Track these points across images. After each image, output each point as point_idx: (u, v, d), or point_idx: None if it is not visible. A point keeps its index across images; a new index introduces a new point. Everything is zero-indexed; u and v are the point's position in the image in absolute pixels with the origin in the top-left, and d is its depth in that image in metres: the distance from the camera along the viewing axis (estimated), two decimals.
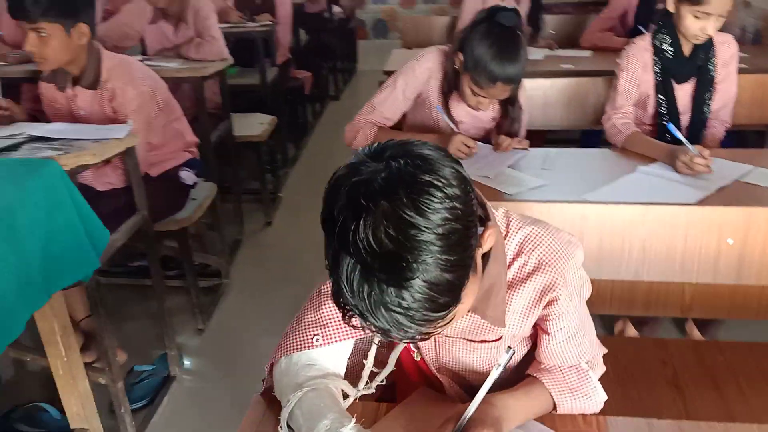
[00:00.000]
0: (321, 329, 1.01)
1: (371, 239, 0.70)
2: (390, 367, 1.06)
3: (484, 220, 0.89)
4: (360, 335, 1.01)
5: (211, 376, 2.31)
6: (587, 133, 3.47)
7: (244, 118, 3.37)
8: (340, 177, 0.77)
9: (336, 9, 5.53)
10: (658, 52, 2.19)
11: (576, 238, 1.02)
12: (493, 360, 1.06)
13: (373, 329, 0.77)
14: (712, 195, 1.64)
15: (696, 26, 2.03)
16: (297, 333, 1.02)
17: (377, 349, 1.06)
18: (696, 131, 2.21)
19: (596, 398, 1.03)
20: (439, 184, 0.73)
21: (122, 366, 2.22)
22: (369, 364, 1.03)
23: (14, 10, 1.90)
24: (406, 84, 2.11)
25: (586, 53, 3.29)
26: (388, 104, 2.11)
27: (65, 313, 1.72)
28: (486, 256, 0.91)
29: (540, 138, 3.50)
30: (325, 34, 5.17)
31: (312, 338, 1.01)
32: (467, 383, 1.09)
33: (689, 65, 2.16)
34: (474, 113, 2.14)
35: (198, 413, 2.13)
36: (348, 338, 1.02)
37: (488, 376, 0.89)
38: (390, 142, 0.80)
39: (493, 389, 0.90)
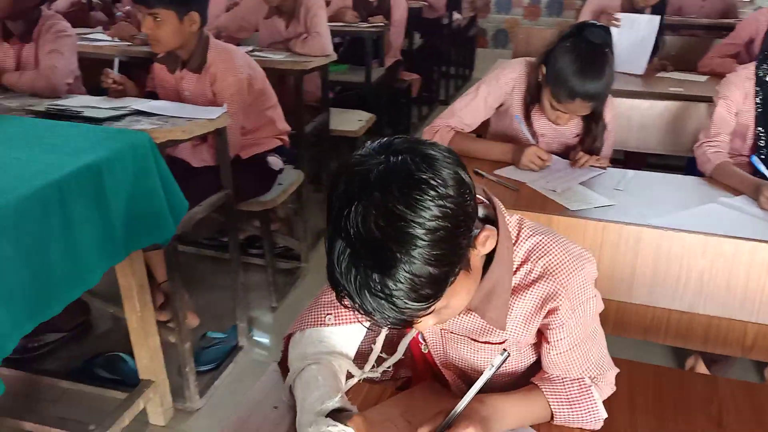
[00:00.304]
0: (334, 310, 1.07)
1: (360, 226, 0.76)
2: (398, 355, 1.10)
3: (485, 222, 0.92)
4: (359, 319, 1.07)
5: (275, 350, 2.44)
6: (693, 160, 3.31)
7: (343, 113, 3.50)
8: (344, 166, 0.82)
9: (456, 16, 5.57)
10: (760, 82, 2.08)
11: (589, 253, 1.02)
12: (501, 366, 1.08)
13: (360, 311, 0.82)
14: None
15: None
16: (313, 311, 1.09)
17: (390, 338, 1.11)
18: None
19: (595, 415, 1.02)
20: (434, 183, 0.77)
21: (194, 330, 2.40)
22: (377, 348, 1.08)
23: None
24: (489, 92, 2.12)
25: (702, 78, 3.13)
26: (469, 110, 2.13)
27: (143, 273, 1.89)
28: (489, 259, 0.94)
29: (641, 161, 3.38)
30: (441, 40, 5.23)
31: (325, 317, 1.07)
32: (471, 381, 1.11)
33: None
34: (556, 128, 2.12)
35: (278, 396, 2.25)
36: (358, 322, 1.07)
37: (490, 376, 0.92)
38: (399, 138, 0.85)
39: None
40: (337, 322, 1.07)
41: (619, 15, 3.08)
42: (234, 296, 2.36)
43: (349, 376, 1.07)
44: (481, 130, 2.41)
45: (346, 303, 0.83)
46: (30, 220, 1.39)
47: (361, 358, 1.10)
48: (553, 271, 0.98)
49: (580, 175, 1.96)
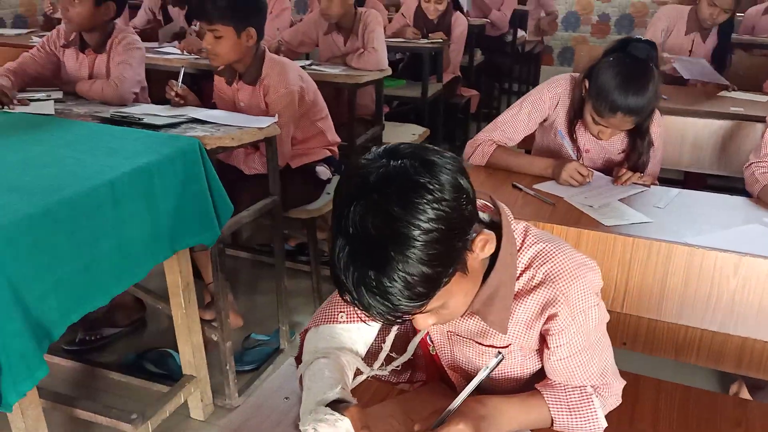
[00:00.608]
0: (346, 308, 1.12)
1: (358, 225, 0.81)
2: (407, 355, 1.14)
3: (491, 228, 0.95)
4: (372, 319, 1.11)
5: None
6: None
7: (398, 127, 3.56)
8: (350, 168, 0.88)
9: (521, 34, 5.57)
10: None
11: (595, 263, 1.03)
12: (505, 370, 1.10)
13: (358, 307, 0.87)
14: None
15: None
16: (327, 309, 1.14)
17: (401, 338, 1.16)
18: None
19: (595, 423, 1.03)
20: (432, 187, 0.82)
21: (239, 331, 2.50)
22: (386, 347, 1.13)
23: (197, 13, 2.23)
24: (533, 107, 2.14)
25: (765, 98, 3.04)
26: (511, 125, 2.15)
27: (189, 272, 2.00)
28: (492, 264, 0.98)
29: (700, 182, 3.29)
30: (503, 57, 5.24)
31: (338, 314, 1.12)
32: None
33: None
34: (601, 143, 2.11)
35: (295, 386, 2.32)
36: (369, 320, 1.11)
37: (484, 377, 0.95)
38: (405, 144, 0.90)
39: None
40: (349, 320, 1.12)
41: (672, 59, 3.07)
42: (278, 300, 2.44)
43: (359, 372, 1.12)
44: (528, 145, 2.43)
45: (346, 298, 0.88)
46: (83, 215, 1.50)
47: (372, 357, 1.14)
48: (554, 277, 1.00)
49: (621, 192, 1.95)
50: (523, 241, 1.03)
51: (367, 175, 0.83)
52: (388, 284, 0.81)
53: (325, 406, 0.95)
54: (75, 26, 2.47)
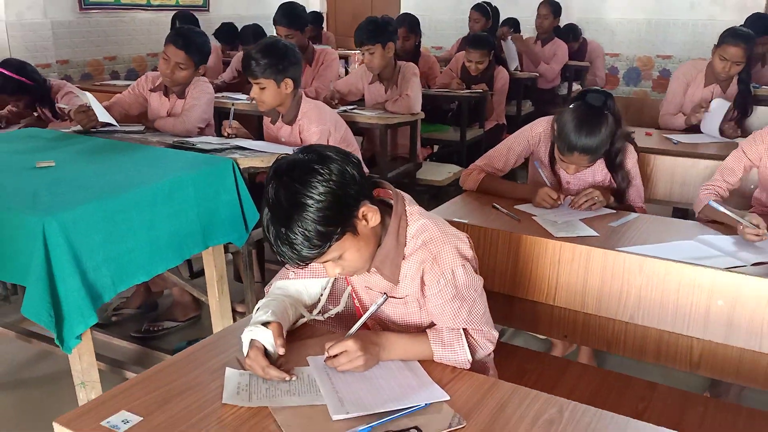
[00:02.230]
0: (295, 270, 1.52)
1: (273, 198, 1.23)
2: (340, 306, 1.52)
3: (381, 206, 1.34)
4: (314, 276, 1.50)
5: None
6: None
7: (437, 166, 3.97)
8: (276, 161, 1.30)
9: (577, 87, 5.87)
10: None
11: (464, 235, 1.39)
12: (405, 315, 1.46)
13: (278, 255, 1.27)
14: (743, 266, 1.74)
15: None
16: (283, 270, 1.55)
17: (337, 292, 1.54)
18: None
19: (463, 356, 1.36)
20: (323, 171, 1.23)
21: None
22: (323, 299, 1.52)
23: (245, 71, 2.75)
24: (518, 144, 2.49)
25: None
26: (500, 157, 2.51)
27: (223, 267, 2.46)
28: (384, 231, 1.36)
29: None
30: (553, 107, 5.54)
31: (288, 273, 1.53)
32: (389, 329, 1.49)
33: None
34: (579, 176, 2.42)
35: None
36: (310, 277, 1.51)
37: (375, 310, 1.33)
38: (315, 145, 1.31)
39: None
40: (296, 277, 1.52)
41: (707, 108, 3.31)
42: None
43: (301, 316, 1.51)
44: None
45: (273, 250, 1.29)
46: (134, 209, 2.00)
47: (315, 307, 1.53)
48: (429, 242, 1.36)
49: (585, 213, 2.24)
50: (409, 217, 1.40)
51: (281, 164, 1.26)
52: (293, 237, 1.22)
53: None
54: (175, 84, 3.04)
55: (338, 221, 1.24)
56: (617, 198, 2.39)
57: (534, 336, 2.72)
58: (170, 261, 2.15)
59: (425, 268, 1.36)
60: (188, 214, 2.17)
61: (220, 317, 2.49)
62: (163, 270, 2.14)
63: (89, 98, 2.91)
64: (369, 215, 1.30)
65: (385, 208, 1.38)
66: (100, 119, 2.89)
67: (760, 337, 1.64)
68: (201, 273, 3.30)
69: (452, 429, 1.16)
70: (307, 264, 1.29)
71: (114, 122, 2.93)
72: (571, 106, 2.23)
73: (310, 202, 1.20)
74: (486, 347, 1.42)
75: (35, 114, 3.52)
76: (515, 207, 2.28)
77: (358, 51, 3.75)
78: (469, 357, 1.37)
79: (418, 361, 1.38)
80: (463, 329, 1.39)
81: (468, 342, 1.39)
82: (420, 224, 1.39)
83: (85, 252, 1.86)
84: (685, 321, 1.72)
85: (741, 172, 2.28)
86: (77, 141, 2.68)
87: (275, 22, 3.75)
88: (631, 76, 6.58)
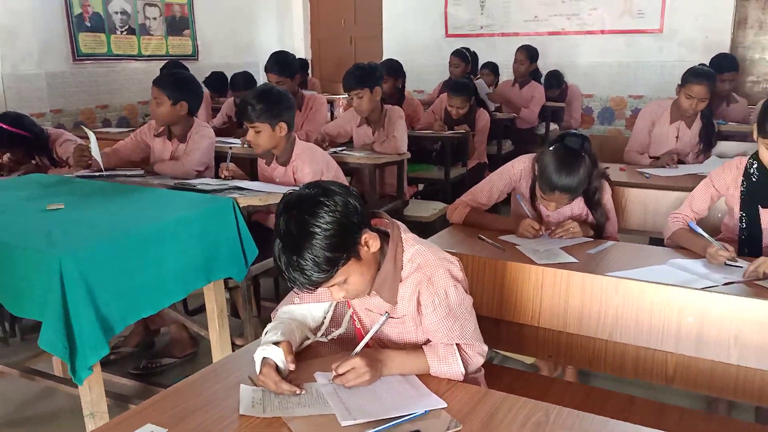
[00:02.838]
0: (300, 296, 1.65)
1: (284, 228, 1.37)
2: (342, 328, 1.65)
3: (386, 236, 1.48)
4: (317, 301, 1.64)
5: None
6: None
7: (423, 203, 4.14)
8: (285, 196, 1.44)
9: (554, 127, 6.13)
10: (746, 173, 2.40)
11: (455, 258, 1.54)
12: (403, 334, 1.60)
13: (290, 281, 1.41)
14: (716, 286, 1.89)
15: (766, 156, 2.25)
16: (288, 296, 1.68)
17: (339, 316, 1.67)
18: None
19: (456, 368, 1.49)
20: (328, 203, 1.38)
21: None
22: (326, 321, 1.65)
23: (240, 115, 2.92)
24: (500, 179, 2.66)
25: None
26: (484, 193, 2.67)
27: (223, 302, 2.57)
28: (382, 257, 1.50)
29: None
30: (532, 147, 5.77)
31: (293, 298, 1.66)
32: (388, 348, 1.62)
33: None
34: (560, 211, 2.58)
35: None
36: (314, 302, 1.64)
37: (378, 329, 1.48)
38: (322, 181, 1.46)
39: None
40: (301, 302, 1.65)
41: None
42: None
43: (307, 339, 1.64)
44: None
45: (285, 277, 1.42)
46: (142, 248, 2.12)
47: (319, 330, 1.66)
48: (423, 266, 1.51)
49: (566, 242, 2.40)
50: (405, 243, 1.55)
51: (291, 199, 1.41)
52: (304, 263, 1.36)
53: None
54: (160, 122, 3.23)
55: (344, 248, 1.39)
56: (596, 232, 2.55)
57: (522, 362, 2.84)
58: (175, 295, 2.27)
59: (421, 289, 1.51)
60: (193, 251, 2.30)
61: (220, 350, 2.59)
62: (168, 304, 2.25)
63: (91, 138, 3.05)
64: (370, 242, 1.45)
65: (383, 236, 1.52)
66: (93, 155, 3.04)
67: (728, 349, 1.79)
68: (196, 311, 3.42)
69: (450, 431, 1.29)
70: (316, 288, 1.42)
71: (101, 166, 3.07)
72: (551, 148, 2.39)
73: (318, 230, 1.35)
74: (477, 360, 1.56)
75: (33, 162, 3.64)
76: (499, 238, 2.43)
77: (343, 96, 3.95)
78: (463, 369, 1.50)
79: (416, 375, 1.50)
80: (456, 344, 1.53)
81: (461, 356, 1.52)
82: (414, 249, 1.54)
83: (98, 287, 1.97)
84: (658, 337, 1.86)
85: (708, 201, 2.45)
86: (82, 184, 2.82)
87: (267, 69, 3.95)
88: (605, 115, 6.86)
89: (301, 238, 1.35)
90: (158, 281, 2.18)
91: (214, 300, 2.53)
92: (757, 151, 2.33)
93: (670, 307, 1.84)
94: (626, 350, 1.97)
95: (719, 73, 4.58)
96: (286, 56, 4.02)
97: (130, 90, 6.28)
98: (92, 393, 2.10)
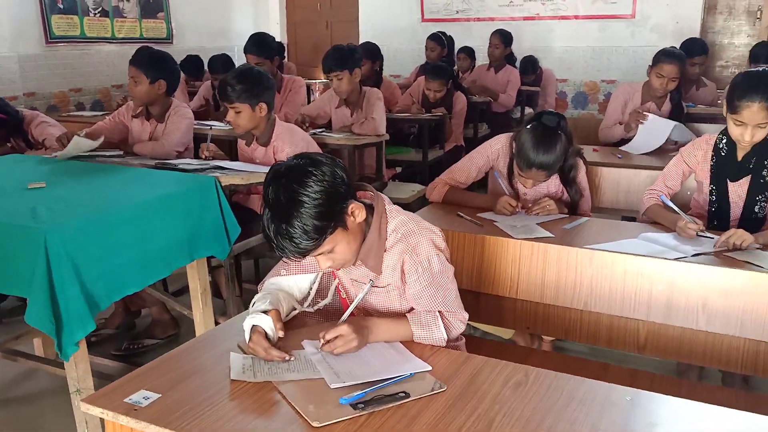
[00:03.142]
0: (286, 267, 1.69)
1: (273, 197, 1.41)
2: (328, 299, 1.69)
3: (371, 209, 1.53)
4: (303, 272, 1.68)
5: None
6: None
7: (402, 185, 4.18)
8: (272, 167, 1.48)
9: (529, 111, 6.21)
10: (716, 148, 2.49)
11: (438, 228, 1.59)
12: (387, 303, 1.65)
13: (279, 250, 1.44)
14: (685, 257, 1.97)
15: (736, 132, 2.31)
16: (275, 268, 1.72)
17: (324, 287, 1.71)
18: (747, 227, 2.17)
19: (439, 335, 1.55)
20: (316, 173, 1.42)
21: None
22: (312, 292, 1.69)
23: (221, 95, 2.94)
24: (478, 157, 2.72)
25: None
26: (462, 171, 2.73)
27: (206, 280, 2.60)
28: (367, 228, 1.55)
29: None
30: (508, 130, 5.85)
31: (280, 270, 1.70)
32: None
33: (740, 166, 2.41)
34: (535, 188, 2.64)
35: None
36: (300, 273, 1.69)
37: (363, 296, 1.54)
38: (306, 152, 1.50)
39: None
40: (287, 273, 1.69)
41: (647, 115, 3.59)
42: None
43: (293, 310, 1.68)
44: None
45: (273, 245, 1.46)
46: (127, 224, 2.14)
47: (305, 300, 1.71)
48: (407, 235, 1.56)
49: (542, 218, 2.47)
50: (389, 214, 1.60)
51: (279, 169, 1.44)
52: (293, 231, 1.40)
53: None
54: (138, 101, 3.22)
55: (331, 216, 1.43)
56: (570, 209, 2.62)
57: (500, 337, 2.92)
58: (159, 273, 2.29)
59: (405, 258, 1.56)
60: (176, 229, 2.32)
61: (204, 328, 2.62)
62: (153, 281, 2.28)
63: (78, 140, 3.00)
64: (356, 212, 1.49)
65: (368, 208, 1.57)
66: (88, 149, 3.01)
67: (696, 316, 1.87)
68: (177, 293, 3.44)
69: (435, 392, 1.34)
70: (304, 256, 1.46)
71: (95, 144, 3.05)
72: (528, 127, 2.45)
73: (306, 199, 1.39)
74: (459, 327, 1.61)
75: (9, 145, 3.60)
76: (478, 215, 2.49)
77: (320, 81, 3.97)
78: (445, 336, 1.56)
79: (401, 342, 1.56)
80: (439, 311, 1.58)
81: (443, 323, 1.57)
82: (398, 220, 1.59)
83: (84, 263, 1.99)
84: (630, 305, 1.94)
85: (680, 176, 2.53)
86: (62, 164, 2.81)
87: (246, 50, 3.95)
88: (578, 99, 6.96)
89: (290, 206, 1.39)
90: (143, 258, 2.20)
91: (198, 278, 2.56)
92: (726, 127, 2.41)
93: (641, 276, 1.92)
94: (600, 319, 2.05)
95: (689, 57, 4.68)
96: (266, 37, 4.02)
97: (104, 73, 6.21)
98: (78, 369, 2.12)
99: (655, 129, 3.59)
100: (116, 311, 3.26)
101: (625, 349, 2.02)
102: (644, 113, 3.65)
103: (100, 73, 6.19)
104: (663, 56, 3.63)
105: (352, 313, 1.56)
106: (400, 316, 1.62)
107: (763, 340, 1.83)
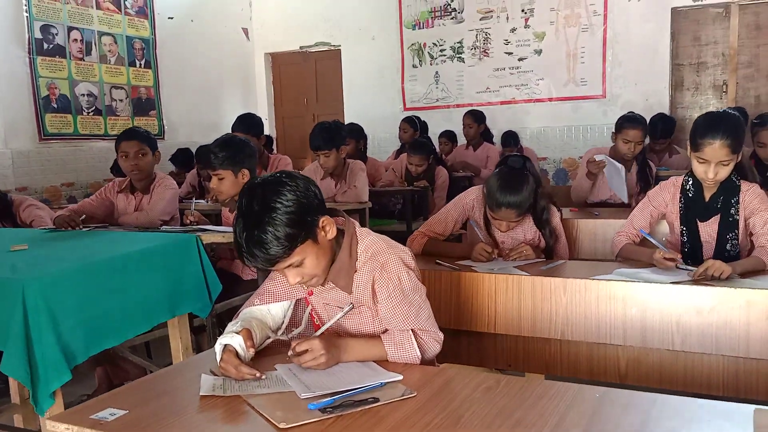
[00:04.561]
0: (259, 297, 1.72)
1: (246, 206, 1.46)
2: (302, 327, 1.70)
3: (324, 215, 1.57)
4: (277, 301, 1.70)
5: None
6: None
7: None
8: (248, 181, 1.54)
9: None
10: (683, 189, 2.56)
11: (408, 248, 1.64)
12: (359, 325, 1.66)
13: (249, 259, 1.48)
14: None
15: (700, 170, 2.39)
16: (250, 299, 1.74)
17: (297, 315, 1.73)
18: None
19: (413, 353, 1.56)
20: (291, 184, 1.48)
21: None
22: (286, 320, 1.70)
23: (204, 164, 3.04)
24: (454, 209, 2.79)
25: None
26: (439, 223, 2.79)
27: (188, 338, 2.59)
28: (338, 248, 1.59)
29: None
30: None
31: (254, 300, 1.72)
32: None
33: (708, 206, 2.46)
34: (512, 235, 2.70)
35: None
36: (274, 302, 1.70)
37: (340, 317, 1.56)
38: (283, 171, 1.56)
39: None
40: (261, 302, 1.71)
41: (599, 157, 3.70)
42: None
43: (267, 338, 1.68)
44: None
45: (244, 257, 1.49)
46: (106, 278, 2.16)
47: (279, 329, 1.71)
48: (376, 254, 1.60)
49: (518, 262, 2.51)
50: (360, 235, 1.64)
51: (254, 181, 1.50)
52: (264, 237, 1.43)
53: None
54: (145, 173, 3.31)
55: (302, 225, 1.47)
56: (547, 254, 2.67)
57: None
58: (140, 327, 2.29)
59: (375, 276, 1.58)
60: (156, 283, 2.34)
61: None
62: (133, 335, 2.27)
63: None
64: (327, 227, 1.54)
65: (339, 233, 1.61)
66: None
67: (671, 336, 1.88)
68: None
69: (405, 397, 1.34)
70: (273, 265, 1.49)
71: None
72: (495, 170, 2.55)
73: (279, 205, 1.43)
74: (434, 346, 1.62)
75: None
76: (456, 262, 2.53)
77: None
78: (419, 354, 1.56)
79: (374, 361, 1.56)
80: (412, 330, 1.59)
81: (417, 342, 1.58)
82: (368, 240, 1.63)
83: (61, 313, 1.99)
84: (607, 330, 1.95)
85: (648, 217, 2.59)
86: (45, 233, 2.86)
87: (233, 129, 4.09)
88: (559, 176, 7.14)
89: (262, 212, 1.43)
90: (122, 311, 2.21)
91: (179, 337, 2.55)
92: (692, 170, 2.50)
93: (615, 300, 1.94)
94: (579, 349, 2.05)
95: (653, 140, 4.96)
96: (252, 116, 4.18)
97: (96, 168, 6.36)
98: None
99: (613, 170, 3.69)
100: (100, 385, 3.20)
101: (606, 380, 2.00)
102: (594, 157, 3.74)
103: (92, 168, 6.34)
104: (626, 122, 3.77)
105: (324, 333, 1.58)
106: (373, 336, 1.63)
107: (740, 356, 1.83)
